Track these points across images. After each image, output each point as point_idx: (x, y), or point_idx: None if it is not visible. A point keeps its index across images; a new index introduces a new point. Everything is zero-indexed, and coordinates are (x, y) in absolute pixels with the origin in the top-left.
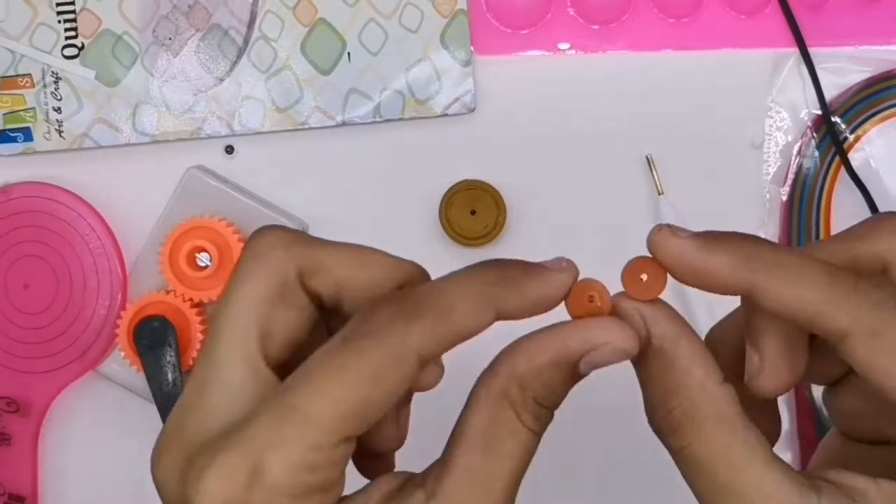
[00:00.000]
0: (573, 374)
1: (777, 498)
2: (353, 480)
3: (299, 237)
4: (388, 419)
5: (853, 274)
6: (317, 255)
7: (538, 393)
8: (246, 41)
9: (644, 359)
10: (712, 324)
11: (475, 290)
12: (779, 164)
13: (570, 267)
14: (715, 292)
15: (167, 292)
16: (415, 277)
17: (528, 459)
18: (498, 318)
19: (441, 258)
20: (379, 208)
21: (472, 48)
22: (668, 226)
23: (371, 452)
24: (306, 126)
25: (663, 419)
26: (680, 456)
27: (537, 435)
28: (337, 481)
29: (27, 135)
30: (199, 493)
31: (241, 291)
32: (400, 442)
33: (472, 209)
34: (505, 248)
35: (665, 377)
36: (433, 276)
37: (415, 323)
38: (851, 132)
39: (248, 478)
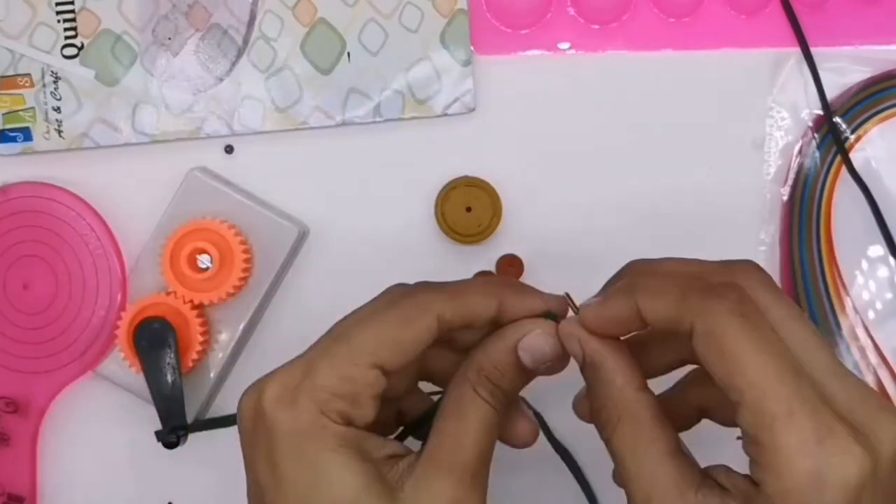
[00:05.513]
0: (517, 360)
1: (663, 485)
2: None
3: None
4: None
5: (699, 289)
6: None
7: (490, 373)
8: (245, 41)
9: (585, 371)
10: None
11: (486, 286)
12: (779, 163)
13: (558, 302)
14: (623, 332)
15: (167, 293)
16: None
17: (491, 428)
18: (499, 312)
19: (436, 254)
20: (379, 208)
21: (472, 48)
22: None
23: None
24: (306, 126)
25: (596, 416)
26: (607, 446)
27: (493, 407)
28: (366, 402)
29: (26, 134)
30: (267, 385)
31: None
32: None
33: (467, 206)
34: (498, 247)
35: (596, 384)
36: (424, 272)
37: (437, 293)
38: (852, 132)
39: (302, 376)
